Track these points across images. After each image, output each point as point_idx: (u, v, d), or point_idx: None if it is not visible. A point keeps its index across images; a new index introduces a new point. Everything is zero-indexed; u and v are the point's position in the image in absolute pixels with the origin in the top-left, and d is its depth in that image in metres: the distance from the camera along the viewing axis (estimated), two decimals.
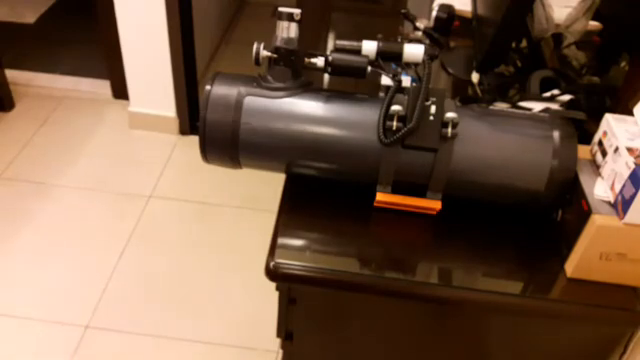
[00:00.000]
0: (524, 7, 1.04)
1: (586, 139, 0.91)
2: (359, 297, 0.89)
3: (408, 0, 1.60)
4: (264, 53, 0.87)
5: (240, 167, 0.93)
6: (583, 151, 0.89)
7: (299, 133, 0.87)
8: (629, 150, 0.80)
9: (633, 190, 0.76)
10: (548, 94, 1.00)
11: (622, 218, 0.79)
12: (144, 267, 2.06)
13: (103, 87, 2.79)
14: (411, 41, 0.93)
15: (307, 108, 0.88)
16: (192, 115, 2.60)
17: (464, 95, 1.19)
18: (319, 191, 0.96)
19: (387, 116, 0.84)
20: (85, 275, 2.02)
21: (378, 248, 0.89)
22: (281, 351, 0.99)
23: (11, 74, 2.69)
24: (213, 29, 3.13)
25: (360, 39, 0.91)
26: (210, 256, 2.11)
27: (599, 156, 0.87)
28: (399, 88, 0.88)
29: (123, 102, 2.69)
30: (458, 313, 0.90)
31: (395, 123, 0.84)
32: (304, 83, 0.90)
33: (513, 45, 1.18)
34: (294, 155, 0.89)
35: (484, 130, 0.87)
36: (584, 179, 0.85)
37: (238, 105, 0.87)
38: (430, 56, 0.90)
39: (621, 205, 0.79)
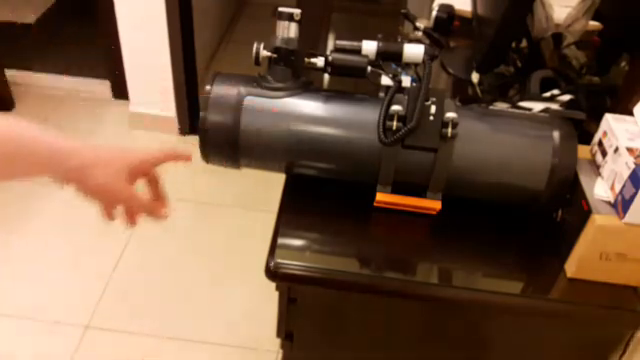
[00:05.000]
0: (524, 7, 1.04)
1: (586, 139, 0.91)
2: (359, 297, 0.89)
3: (408, 0, 1.60)
4: (264, 53, 0.87)
5: (240, 167, 0.93)
6: (583, 151, 0.89)
7: (299, 133, 0.87)
8: (629, 150, 0.80)
9: (633, 190, 0.76)
10: (548, 94, 1.00)
11: (622, 218, 0.79)
12: (144, 267, 2.06)
13: (103, 87, 2.79)
14: (411, 41, 0.93)
15: (307, 108, 0.88)
16: (192, 115, 2.60)
17: (464, 95, 1.19)
18: (319, 191, 0.96)
19: (387, 116, 0.84)
20: (85, 275, 2.02)
21: (378, 248, 0.89)
22: (281, 351, 0.99)
23: (11, 74, 2.69)
24: (213, 29, 3.13)
25: (360, 39, 0.91)
26: (210, 256, 2.11)
27: (599, 156, 0.87)
28: (399, 88, 0.88)
29: (123, 102, 2.68)
30: (458, 313, 0.90)
31: (395, 123, 0.84)
32: (304, 83, 0.90)
33: (513, 45, 1.18)
34: (294, 155, 0.89)
35: (484, 130, 0.87)
36: (584, 179, 0.85)
37: (238, 105, 0.87)
38: (430, 56, 0.90)
39: (621, 205, 0.79)
